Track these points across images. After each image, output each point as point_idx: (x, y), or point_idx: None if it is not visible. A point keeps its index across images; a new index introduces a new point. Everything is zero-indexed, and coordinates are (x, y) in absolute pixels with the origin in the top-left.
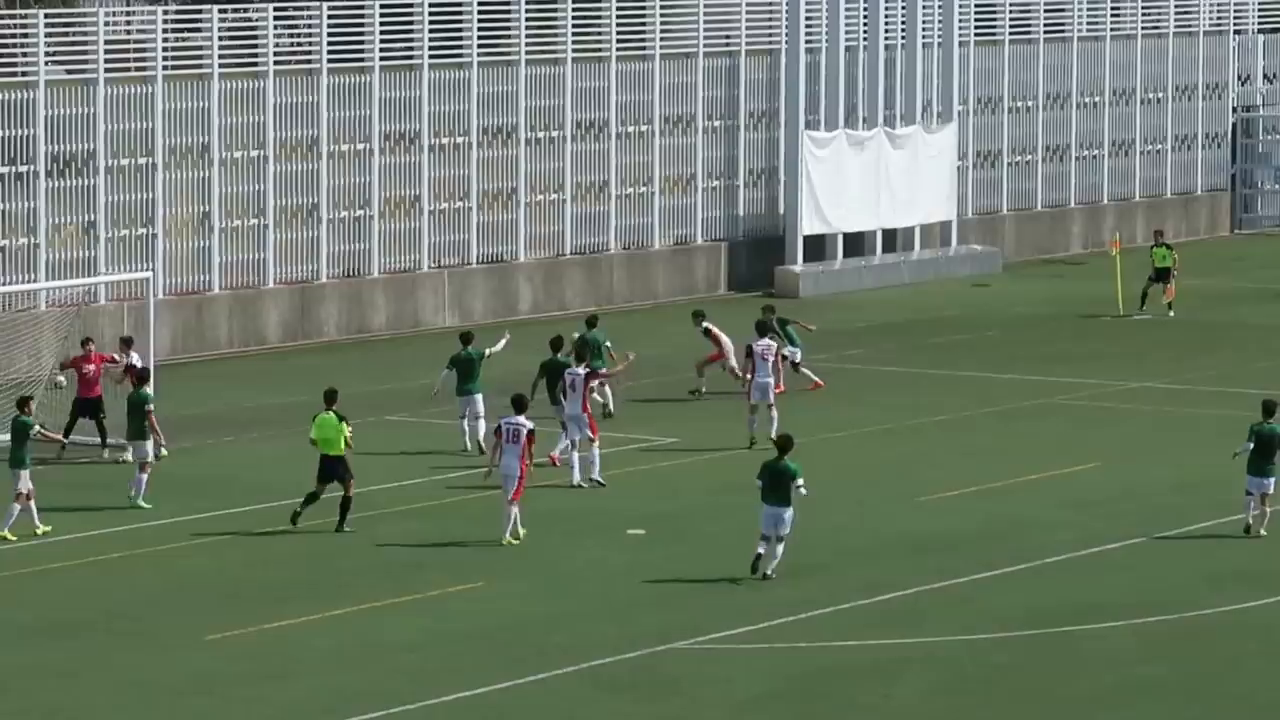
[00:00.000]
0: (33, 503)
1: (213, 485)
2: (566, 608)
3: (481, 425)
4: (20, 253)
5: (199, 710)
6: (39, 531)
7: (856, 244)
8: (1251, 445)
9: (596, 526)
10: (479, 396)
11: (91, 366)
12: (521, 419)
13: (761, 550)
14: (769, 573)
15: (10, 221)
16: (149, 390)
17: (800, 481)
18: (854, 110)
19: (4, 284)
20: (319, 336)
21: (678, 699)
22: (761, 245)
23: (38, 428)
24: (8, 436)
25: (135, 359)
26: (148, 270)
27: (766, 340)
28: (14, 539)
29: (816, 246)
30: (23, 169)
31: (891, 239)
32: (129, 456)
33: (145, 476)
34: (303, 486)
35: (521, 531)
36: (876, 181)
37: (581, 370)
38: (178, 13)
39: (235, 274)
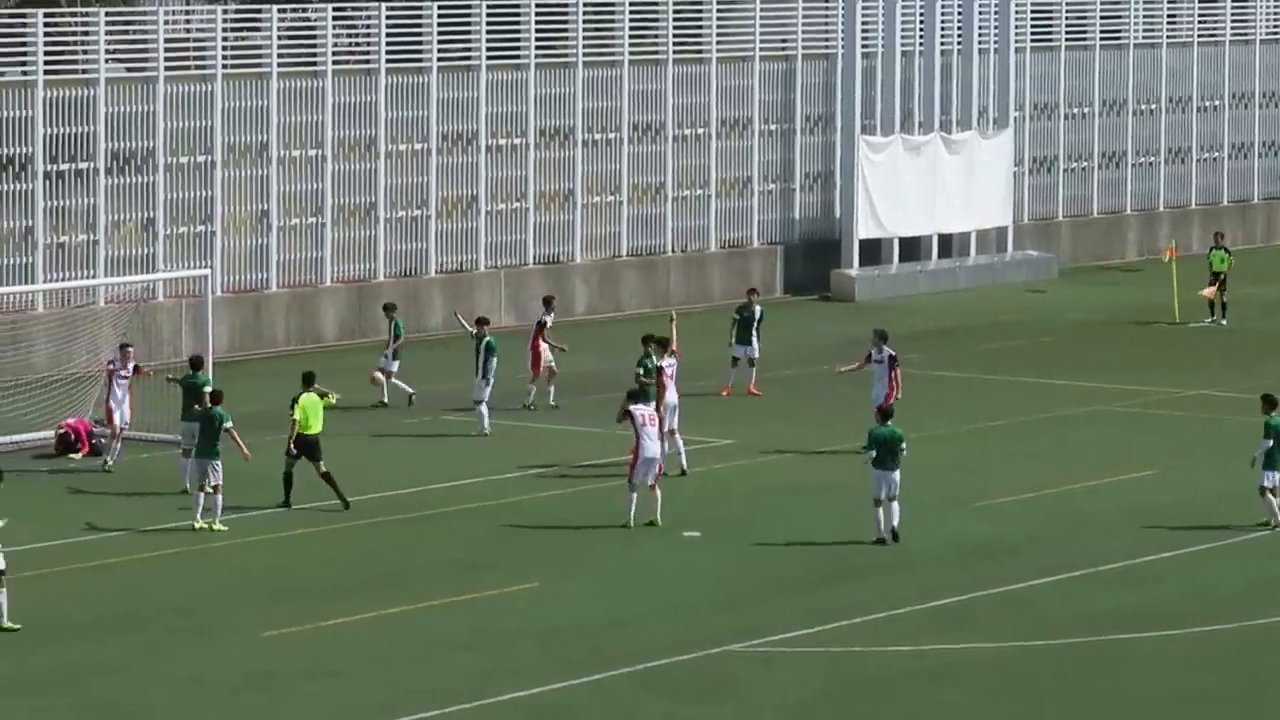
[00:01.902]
0: (219, 497)
1: (270, 483)
2: (621, 609)
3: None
4: (80, 249)
5: (255, 707)
6: (214, 528)
7: (912, 248)
8: (1271, 443)
9: (652, 528)
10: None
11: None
12: (650, 407)
13: (880, 517)
14: (895, 527)
15: (70, 218)
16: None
17: (904, 445)
18: (910, 115)
19: (63, 280)
20: (375, 335)
21: (731, 702)
22: (817, 249)
23: (230, 423)
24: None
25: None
26: (206, 268)
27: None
28: (221, 528)
29: (872, 251)
30: (83, 166)
31: (947, 244)
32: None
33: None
34: (359, 484)
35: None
36: (932, 186)
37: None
38: (237, 12)
39: (293, 272)
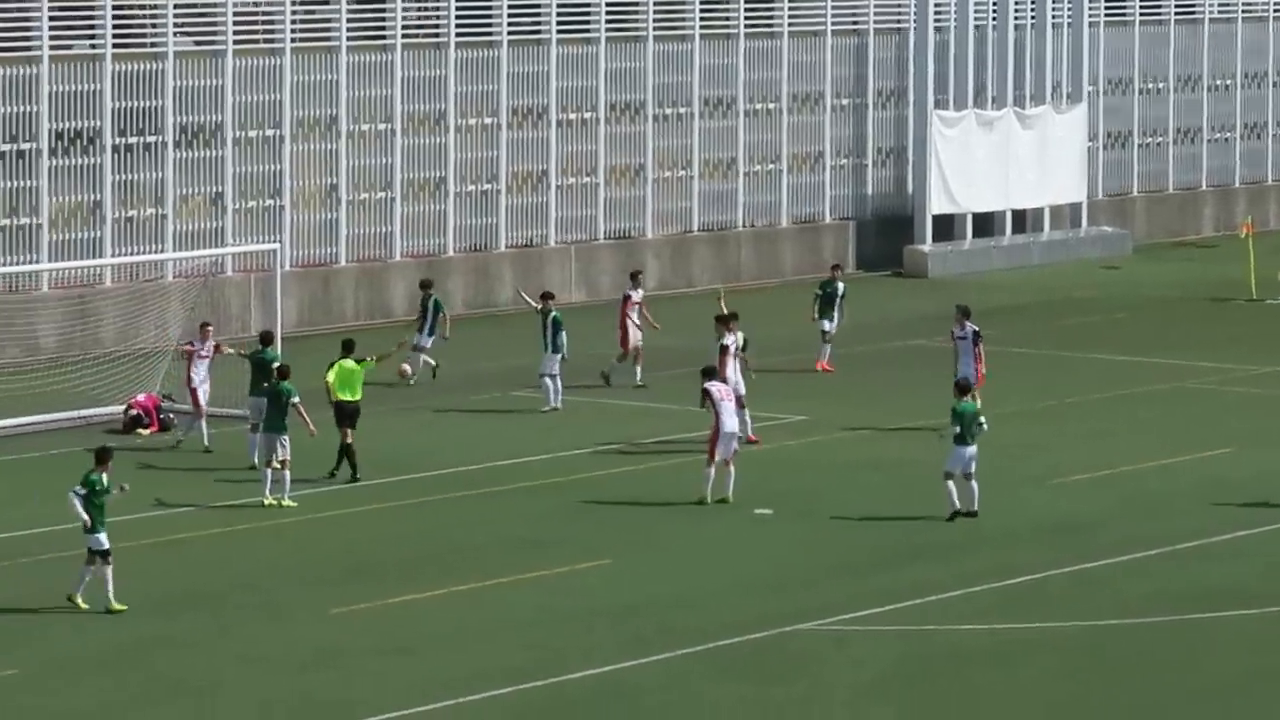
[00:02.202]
0: (287, 473)
1: (337, 459)
2: (692, 587)
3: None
4: (148, 223)
5: (323, 685)
6: (282, 504)
7: (986, 224)
8: None
9: (724, 505)
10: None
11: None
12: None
13: (952, 490)
14: (974, 507)
15: (139, 192)
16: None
17: (983, 420)
18: (983, 90)
19: (132, 255)
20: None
21: (802, 681)
22: (890, 224)
23: (297, 398)
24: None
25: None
26: (275, 242)
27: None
28: (290, 503)
29: (945, 226)
30: (151, 140)
31: (1021, 220)
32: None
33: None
34: (430, 459)
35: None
36: (1005, 162)
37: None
38: None
39: (362, 246)
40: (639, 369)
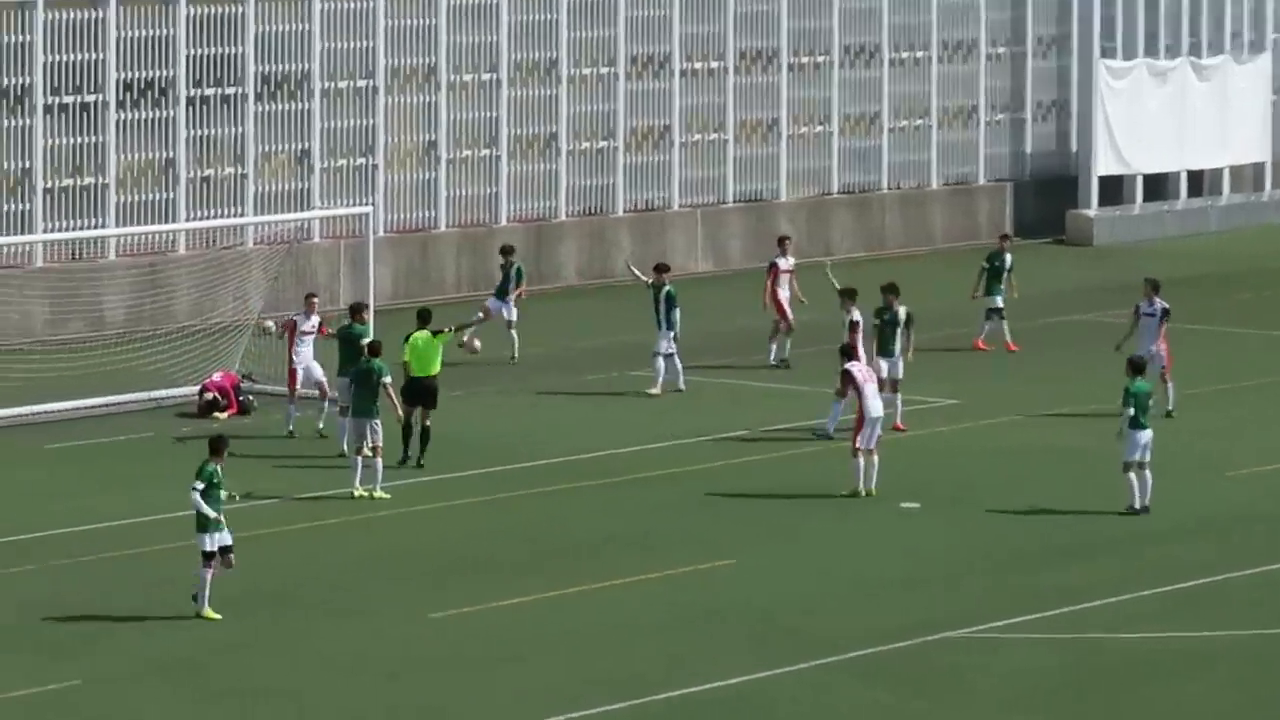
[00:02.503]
0: (379, 461)
1: (439, 444)
2: (830, 588)
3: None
4: (226, 184)
5: (421, 696)
6: (374, 496)
7: (1158, 187)
8: None
9: (865, 499)
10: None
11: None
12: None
13: (1133, 482)
14: (1147, 503)
15: (216, 149)
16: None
17: (1154, 400)
18: (1155, 38)
19: (208, 218)
20: (556, 281)
21: (949, 694)
22: (1051, 186)
23: (388, 378)
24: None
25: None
26: (367, 204)
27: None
28: (383, 495)
29: (1112, 189)
30: (229, 91)
31: (1197, 181)
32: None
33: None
34: (537, 447)
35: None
36: (1180, 117)
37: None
38: None
39: (464, 209)
40: (774, 346)
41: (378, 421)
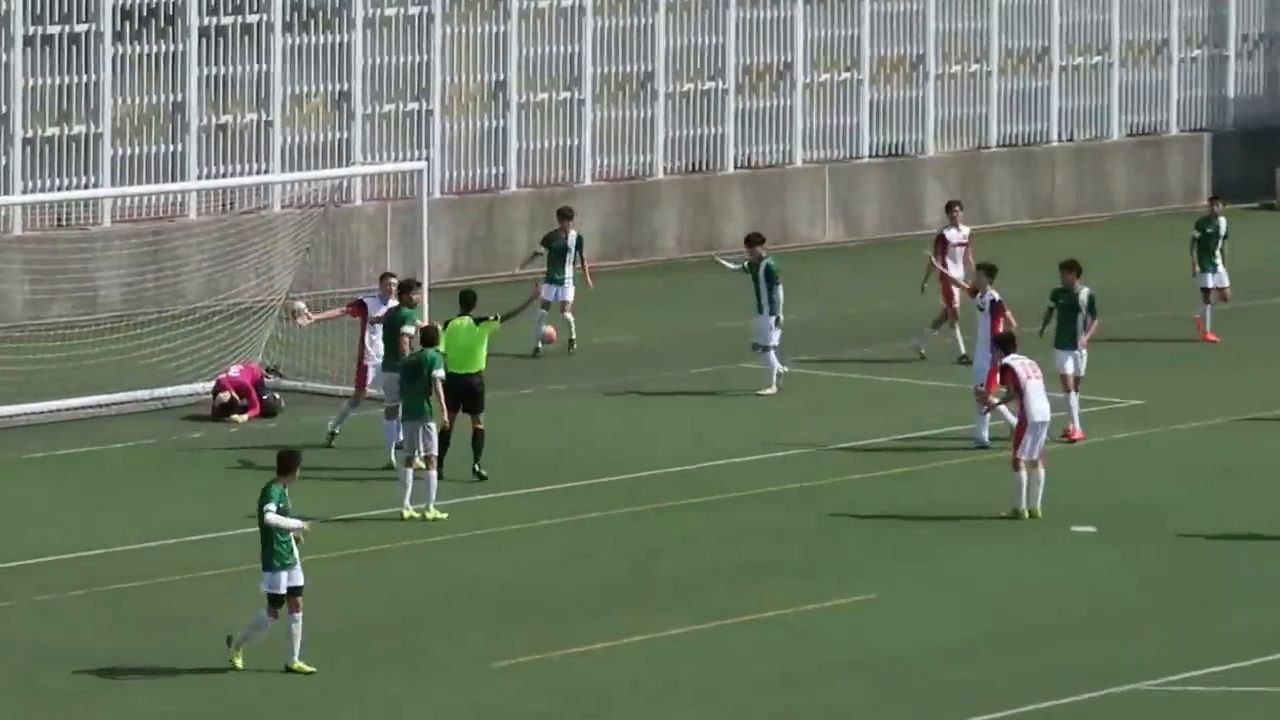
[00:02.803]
0: (434, 473)
1: (493, 458)
2: (980, 632)
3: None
4: (248, 134)
5: None
6: (427, 517)
7: None
8: None
9: (1028, 521)
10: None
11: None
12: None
13: None
14: None
15: (235, 91)
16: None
17: None
18: None
19: (225, 176)
20: (650, 253)
21: None
22: (1259, 139)
23: (440, 371)
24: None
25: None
26: (420, 159)
27: None
28: (438, 515)
29: None
30: (251, 19)
31: None
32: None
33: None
34: (623, 458)
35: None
36: None
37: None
38: None
39: (538, 166)
40: (931, 333)
41: (432, 424)
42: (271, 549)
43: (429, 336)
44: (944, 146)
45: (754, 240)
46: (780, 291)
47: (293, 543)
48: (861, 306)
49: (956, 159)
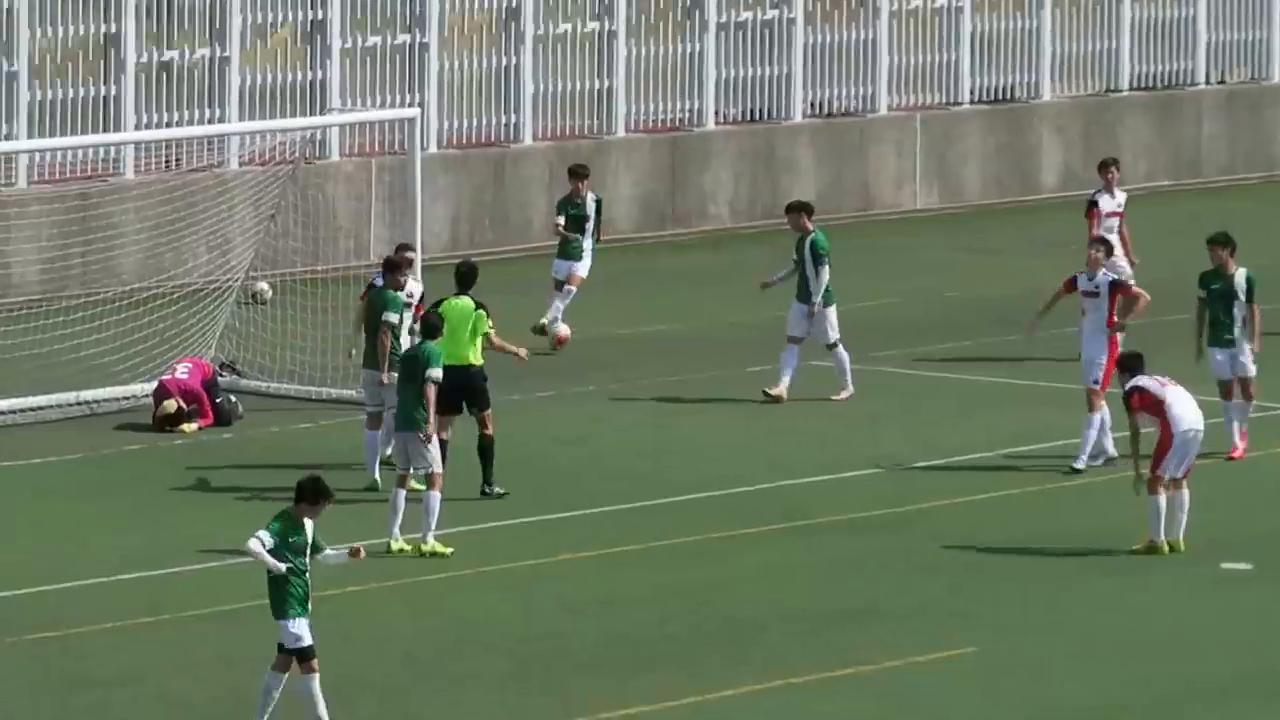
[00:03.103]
0: (435, 495)
1: (518, 472)
2: (1111, 692)
3: None
4: (198, 73)
5: None
6: (424, 550)
7: None
8: None
9: (1169, 556)
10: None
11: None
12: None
13: None
14: None
15: (182, 20)
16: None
17: None
18: None
19: (168, 126)
20: (700, 221)
21: None
22: None
23: (436, 372)
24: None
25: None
26: (413, 105)
27: None
28: (441, 549)
29: None
30: None
31: None
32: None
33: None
34: (671, 477)
35: None
36: None
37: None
38: None
39: (560, 113)
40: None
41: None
42: (284, 592)
43: (431, 327)
44: (1063, 90)
45: (797, 208)
46: (828, 271)
47: (308, 584)
48: (961, 290)
49: (1079, 105)
